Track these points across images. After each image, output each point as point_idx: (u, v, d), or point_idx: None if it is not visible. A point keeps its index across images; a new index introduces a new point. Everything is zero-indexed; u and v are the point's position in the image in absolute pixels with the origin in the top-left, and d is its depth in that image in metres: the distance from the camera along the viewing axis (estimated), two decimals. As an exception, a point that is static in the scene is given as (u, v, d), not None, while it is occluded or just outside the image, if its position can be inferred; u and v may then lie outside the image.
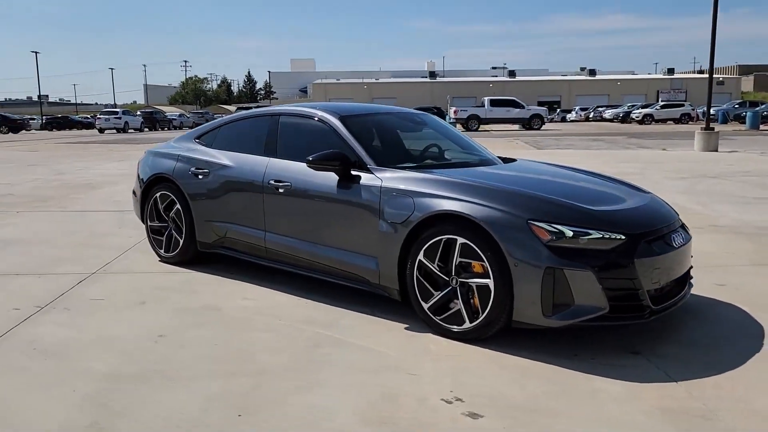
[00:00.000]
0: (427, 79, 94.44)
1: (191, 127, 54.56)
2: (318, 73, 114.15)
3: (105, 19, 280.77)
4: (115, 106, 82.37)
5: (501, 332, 3.43)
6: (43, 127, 54.63)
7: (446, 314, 3.54)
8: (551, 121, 60.03)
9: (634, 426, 2.61)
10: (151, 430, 2.54)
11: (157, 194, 5.18)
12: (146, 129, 47.11)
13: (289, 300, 4.24)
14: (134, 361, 3.22)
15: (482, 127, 36.26)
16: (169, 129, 49.70)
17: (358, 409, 2.73)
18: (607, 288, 3.21)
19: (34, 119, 56.21)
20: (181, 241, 5.02)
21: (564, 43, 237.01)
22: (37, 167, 14.59)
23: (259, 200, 4.46)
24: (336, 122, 4.29)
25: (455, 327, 3.50)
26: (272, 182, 4.35)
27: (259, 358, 3.28)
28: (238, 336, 3.60)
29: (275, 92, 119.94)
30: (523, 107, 35.73)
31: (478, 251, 3.36)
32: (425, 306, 3.61)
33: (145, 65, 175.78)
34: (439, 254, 3.53)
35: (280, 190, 4.31)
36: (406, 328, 3.71)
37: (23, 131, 46.04)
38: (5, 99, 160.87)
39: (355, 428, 2.58)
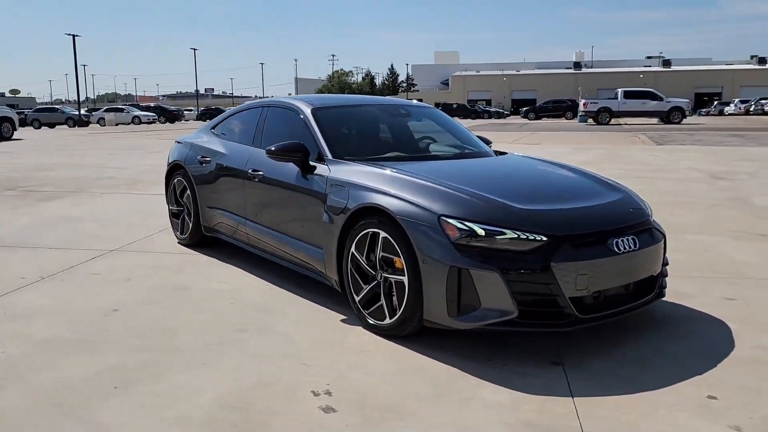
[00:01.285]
0: (572, 70, 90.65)
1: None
2: (460, 66, 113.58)
3: (262, 17, 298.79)
4: (263, 97, 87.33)
5: (434, 331, 3.31)
6: (198, 118, 59.32)
7: (372, 309, 3.50)
8: (707, 114, 55.41)
9: (485, 437, 2.46)
10: (31, 393, 2.78)
11: (175, 180, 5.55)
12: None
13: (258, 285, 4.39)
14: (72, 331, 3.52)
15: (614, 120, 34.22)
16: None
17: (225, 393, 2.80)
18: (517, 292, 3.01)
19: (191, 110, 61.31)
20: (191, 225, 5.36)
21: (734, 30, 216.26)
22: (157, 154, 15.98)
23: (242, 188, 4.65)
24: (307, 113, 4.36)
25: (377, 322, 3.46)
26: (251, 171, 4.52)
27: (180, 338, 3.44)
28: (181, 315, 3.79)
29: (416, 84, 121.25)
30: (661, 99, 33.14)
31: (396, 246, 3.29)
32: (356, 298, 3.59)
33: (296, 59, 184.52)
34: (366, 248, 3.50)
35: (256, 179, 4.46)
36: (341, 320, 3.71)
37: (179, 121, 50.46)
38: (177, 92, 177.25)
39: (205, 410, 2.64)
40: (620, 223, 3.36)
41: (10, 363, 3.09)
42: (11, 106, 69.85)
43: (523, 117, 52.17)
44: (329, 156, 4.01)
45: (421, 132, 4.89)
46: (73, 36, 47.87)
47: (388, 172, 3.65)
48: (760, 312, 3.86)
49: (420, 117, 4.98)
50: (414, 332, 3.33)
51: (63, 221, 6.72)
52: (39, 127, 42.74)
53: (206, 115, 58.98)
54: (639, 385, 2.88)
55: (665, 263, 3.67)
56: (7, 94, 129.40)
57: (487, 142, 5.06)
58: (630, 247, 3.26)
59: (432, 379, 2.95)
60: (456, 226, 3.11)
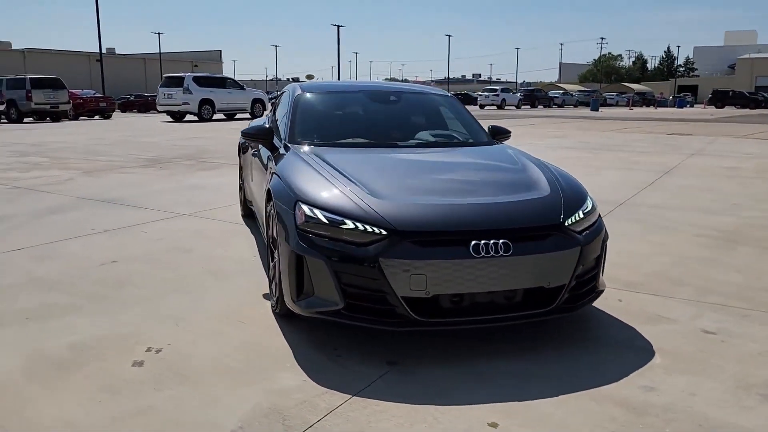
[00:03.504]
0: None
1: (575, 106, 54.44)
2: (754, 47, 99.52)
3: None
4: (518, 84, 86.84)
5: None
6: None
7: (271, 286, 3.68)
8: None
9: (229, 412, 2.56)
10: (-26, 314, 3.58)
11: (239, 158, 6.22)
12: (524, 106, 48.83)
13: (246, 256, 4.78)
14: (60, 274, 4.29)
15: None
16: (548, 107, 50.47)
17: (87, 338, 3.22)
18: (345, 284, 2.96)
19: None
20: (242, 199, 5.98)
21: None
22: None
23: (252, 165, 5.09)
24: (293, 99, 4.61)
25: (270, 299, 3.63)
26: (254, 151, 4.93)
27: (125, 290, 3.99)
28: (152, 272, 4.35)
29: (696, 69, 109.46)
30: None
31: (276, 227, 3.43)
32: (268, 274, 3.80)
33: (561, 44, 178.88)
34: (272, 227, 3.67)
35: (256, 158, 4.86)
36: (264, 294, 3.93)
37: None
38: (444, 77, 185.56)
39: (55, 348, 3.10)
40: (492, 225, 3.03)
41: (-12, 290, 3.96)
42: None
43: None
44: (287, 140, 4.22)
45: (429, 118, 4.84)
46: (338, 26, 53.03)
47: (301, 157, 3.77)
48: (722, 352, 3.16)
49: (418, 103, 4.89)
50: (288, 313, 3.42)
51: (190, 188, 7.87)
52: (305, 108, 48.34)
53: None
54: (439, 398, 2.67)
55: (581, 275, 3.19)
56: (302, 78, 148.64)
57: (503, 132, 4.75)
58: (496, 252, 2.95)
59: (258, 358, 3.05)
60: (305, 212, 3.14)
